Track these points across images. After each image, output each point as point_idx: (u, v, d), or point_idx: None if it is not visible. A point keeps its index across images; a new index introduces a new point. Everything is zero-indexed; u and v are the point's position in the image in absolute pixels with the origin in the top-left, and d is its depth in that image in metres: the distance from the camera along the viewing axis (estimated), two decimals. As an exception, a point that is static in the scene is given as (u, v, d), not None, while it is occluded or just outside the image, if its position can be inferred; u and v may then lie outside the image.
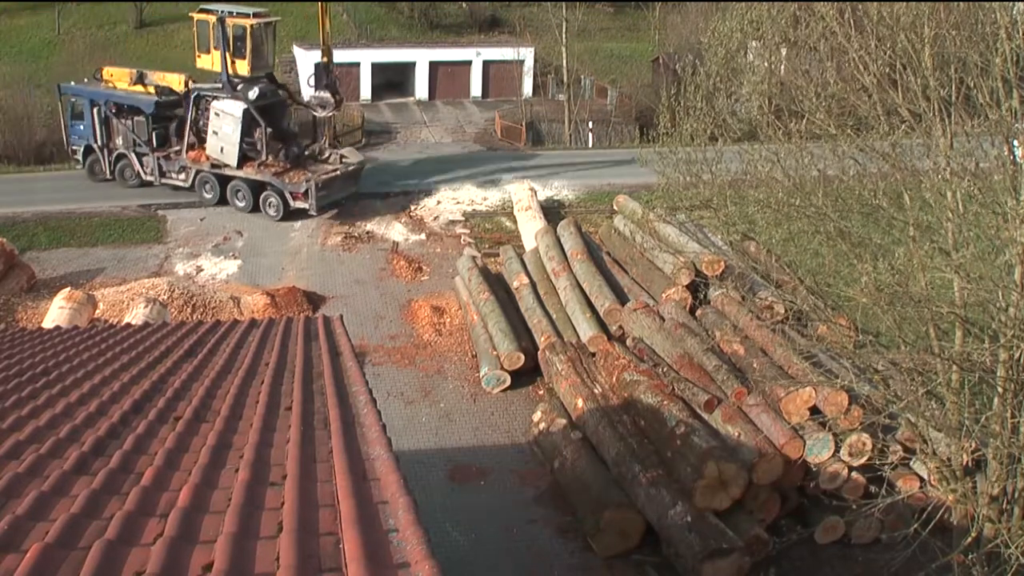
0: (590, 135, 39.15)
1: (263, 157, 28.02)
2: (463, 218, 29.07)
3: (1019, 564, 9.41)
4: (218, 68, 28.00)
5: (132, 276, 24.05)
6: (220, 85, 28.21)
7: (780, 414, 14.13)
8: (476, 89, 44.85)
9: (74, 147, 30.96)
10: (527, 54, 42.52)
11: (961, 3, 9.80)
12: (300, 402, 6.04)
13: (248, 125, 27.84)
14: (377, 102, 42.78)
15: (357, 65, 42.62)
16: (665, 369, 16.04)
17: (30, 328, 12.24)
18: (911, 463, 13.81)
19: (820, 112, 10.49)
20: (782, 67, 14.46)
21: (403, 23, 52.50)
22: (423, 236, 27.57)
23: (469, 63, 44.64)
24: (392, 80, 44.25)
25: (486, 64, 44.53)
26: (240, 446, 5.16)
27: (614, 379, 16.19)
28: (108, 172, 30.35)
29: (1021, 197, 8.68)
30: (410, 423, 17.54)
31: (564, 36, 38.61)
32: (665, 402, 14.76)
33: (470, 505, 15.08)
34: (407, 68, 44.57)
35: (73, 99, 30.41)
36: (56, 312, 19.28)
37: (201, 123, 28.63)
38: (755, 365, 15.17)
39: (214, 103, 28.09)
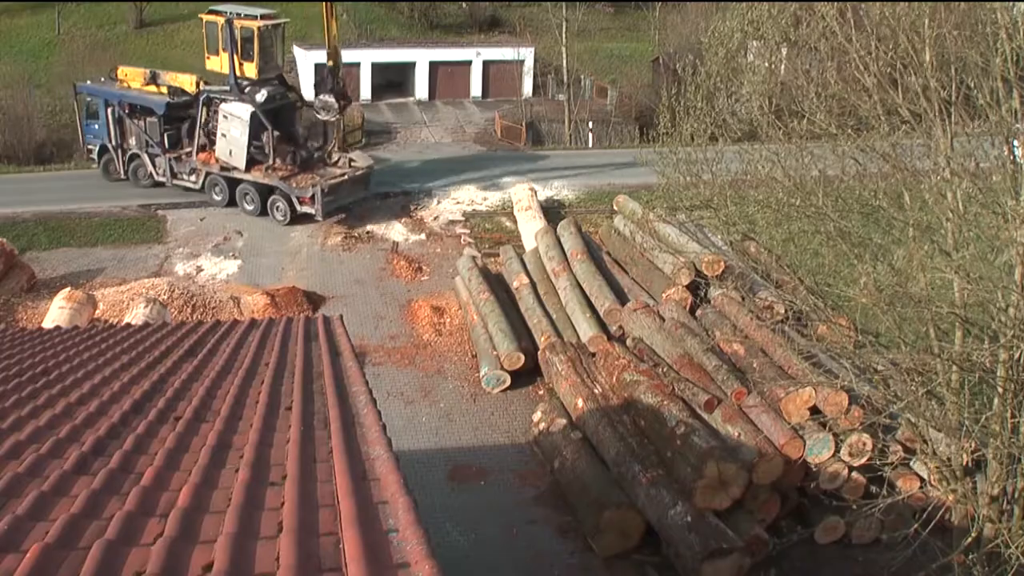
0: (590, 135, 39.15)
1: (271, 161, 27.84)
2: (463, 218, 29.06)
3: (1019, 564, 9.41)
4: (227, 70, 27.88)
5: (132, 276, 24.05)
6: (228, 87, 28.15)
7: (780, 414, 14.13)
8: (476, 89, 44.84)
9: (90, 146, 30.98)
10: (527, 54, 42.51)
11: (962, 3, 9.80)
12: (300, 402, 6.03)
13: (256, 128, 27.63)
14: (377, 102, 42.77)
15: (357, 65, 42.59)
16: (665, 369, 16.04)
17: (30, 328, 12.25)
18: (911, 463, 13.81)
19: (820, 112, 10.49)
20: (782, 67, 14.46)
21: (403, 23, 52.50)
22: (423, 236, 27.57)
23: (469, 63, 44.62)
24: (392, 80, 44.23)
25: (486, 64, 44.51)
26: (240, 446, 5.16)
27: (614, 379, 16.19)
28: (122, 172, 30.34)
29: (1021, 197, 8.68)
30: (410, 423, 17.54)
31: (564, 36, 38.60)
32: (665, 402, 14.76)
33: (470, 505, 15.08)
34: (407, 68, 44.56)
35: (89, 99, 30.40)
36: (56, 312, 19.28)
37: (211, 125, 28.47)
38: (755, 365, 15.17)
39: (223, 105, 27.94)
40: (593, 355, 17.75)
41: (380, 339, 21.07)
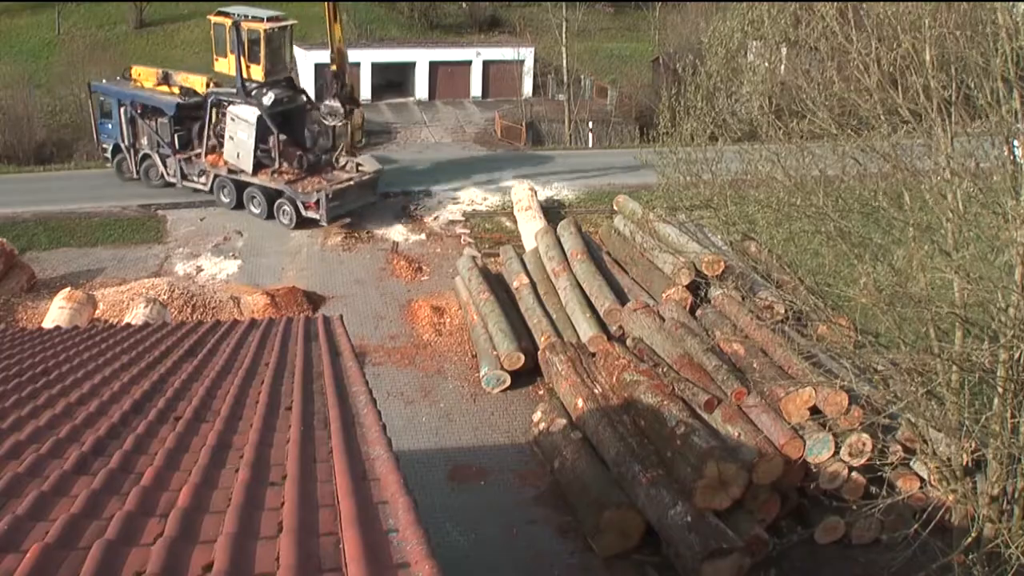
0: (590, 135, 39.15)
1: (277, 164, 27.67)
2: (463, 218, 29.06)
3: (1019, 564, 9.41)
4: (234, 73, 27.75)
5: (132, 276, 24.05)
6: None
7: (780, 414, 14.13)
8: (476, 89, 44.83)
9: (104, 145, 31.04)
10: (527, 54, 42.50)
11: (962, 3, 9.79)
12: (300, 402, 6.03)
13: (263, 132, 27.48)
14: (377, 102, 42.75)
15: (357, 65, 42.50)
16: (665, 369, 16.04)
17: (30, 328, 12.25)
18: (911, 463, 13.81)
19: (821, 112, 10.49)
20: (783, 67, 14.45)
21: (403, 23, 52.50)
22: (423, 236, 27.57)
23: (469, 63, 44.61)
24: (392, 80, 44.20)
25: (486, 64, 44.50)
26: (240, 446, 5.16)
27: (614, 379, 16.19)
28: (135, 172, 30.34)
29: (1021, 197, 8.68)
30: (410, 423, 17.54)
31: (564, 36, 38.60)
32: (665, 402, 14.76)
33: (470, 505, 15.08)
34: (407, 68, 44.54)
35: (102, 98, 30.43)
36: (56, 312, 19.28)
37: (220, 127, 28.37)
38: (755, 365, 15.17)
39: (230, 108, 27.81)
40: (593, 355, 17.74)
41: (380, 339, 21.07)
